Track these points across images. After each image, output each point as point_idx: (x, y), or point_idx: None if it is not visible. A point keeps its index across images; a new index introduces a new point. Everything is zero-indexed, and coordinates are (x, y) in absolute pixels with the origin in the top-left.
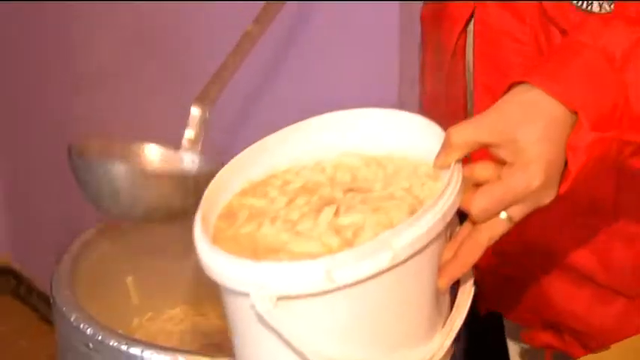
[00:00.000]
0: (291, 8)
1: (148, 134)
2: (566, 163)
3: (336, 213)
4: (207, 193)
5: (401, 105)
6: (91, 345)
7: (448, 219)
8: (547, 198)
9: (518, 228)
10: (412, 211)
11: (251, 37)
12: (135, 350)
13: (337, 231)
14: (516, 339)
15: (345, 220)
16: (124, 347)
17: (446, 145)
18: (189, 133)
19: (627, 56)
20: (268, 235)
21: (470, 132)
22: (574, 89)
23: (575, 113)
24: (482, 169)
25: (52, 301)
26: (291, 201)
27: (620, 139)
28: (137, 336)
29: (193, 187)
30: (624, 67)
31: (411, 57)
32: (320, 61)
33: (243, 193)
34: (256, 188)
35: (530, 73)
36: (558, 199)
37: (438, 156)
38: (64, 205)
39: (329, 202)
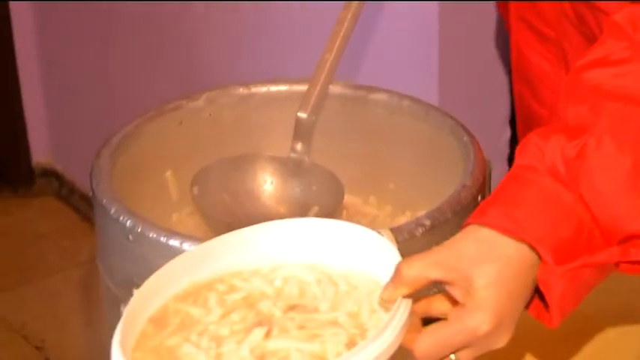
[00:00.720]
0: (329, 6)
1: None
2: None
3: (268, 334)
4: (140, 290)
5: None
6: (130, 237)
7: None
8: (498, 343)
9: None
10: (350, 343)
11: (341, 28)
12: (174, 242)
13: (261, 357)
14: None
15: (273, 344)
16: (163, 239)
17: (395, 279)
18: (297, 142)
19: (575, 172)
20: (187, 355)
21: (421, 267)
22: (528, 224)
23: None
24: (440, 304)
25: (92, 194)
26: (226, 314)
27: (589, 265)
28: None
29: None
30: (575, 182)
31: (450, 56)
32: (360, 60)
33: (185, 295)
34: (199, 291)
35: (481, 213)
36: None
37: (385, 288)
38: (104, 106)
39: (264, 321)
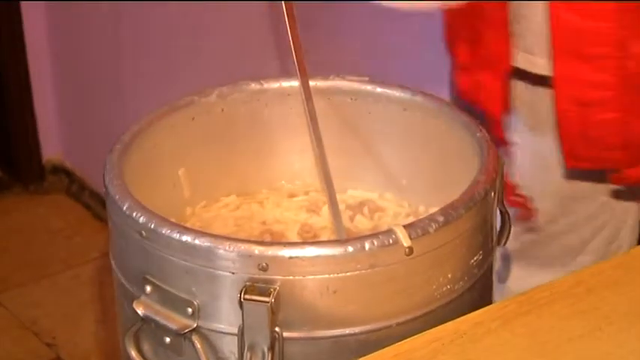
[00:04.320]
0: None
1: None
2: None
3: None
4: None
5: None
6: (144, 233)
7: None
8: None
9: None
10: None
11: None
12: (187, 238)
13: None
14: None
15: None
16: (176, 235)
17: None
18: None
19: None
20: None
21: None
22: None
23: None
24: None
25: (104, 190)
26: None
27: None
28: (191, 224)
29: None
30: None
31: None
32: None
33: None
34: None
35: None
36: None
37: None
38: (114, 104)
39: None
